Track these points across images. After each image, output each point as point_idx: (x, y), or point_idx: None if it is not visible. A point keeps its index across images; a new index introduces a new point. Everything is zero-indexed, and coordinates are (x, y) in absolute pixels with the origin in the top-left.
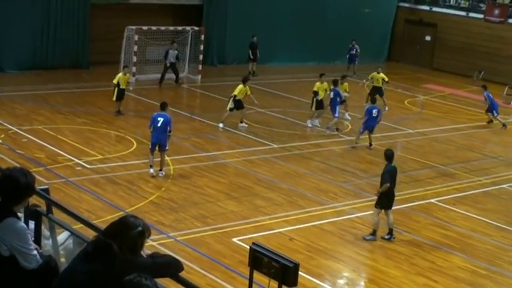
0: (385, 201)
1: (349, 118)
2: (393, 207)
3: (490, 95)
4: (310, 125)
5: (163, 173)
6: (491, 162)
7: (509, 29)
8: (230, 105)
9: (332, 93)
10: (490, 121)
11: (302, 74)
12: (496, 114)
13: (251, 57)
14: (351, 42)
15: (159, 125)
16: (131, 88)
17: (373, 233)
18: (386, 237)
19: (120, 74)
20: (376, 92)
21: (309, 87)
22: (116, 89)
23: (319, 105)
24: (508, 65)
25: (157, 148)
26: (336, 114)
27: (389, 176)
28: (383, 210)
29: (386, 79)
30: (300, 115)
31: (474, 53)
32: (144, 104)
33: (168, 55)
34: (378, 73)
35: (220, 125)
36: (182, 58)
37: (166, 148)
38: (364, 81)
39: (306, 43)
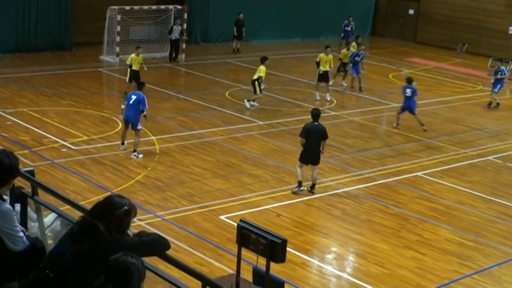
0: (303, 156)
1: (345, 85)
2: (380, 181)
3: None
4: (318, 98)
5: (137, 155)
6: (476, 135)
7: (493, 2)
8: (259, 88)
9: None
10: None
11: (287, 50)
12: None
13: (235, 34)
14: (347, 19)
15: (131, 102)
16: (145, 69)
17: (299, 185)
18: (308, 189)
19: (132, 55)
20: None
21: (294, 64)
22: (129, 70)
23: (321, 77)
24: (492, 38)
25: (130, 127)
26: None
27: (305, 132)
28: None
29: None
30: (285, 92)
31: (458, 26)
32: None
33: (173, 31)
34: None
35: (247, 104)
36: (185, 37)
37: (139, 127)
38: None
39: (290, 20)
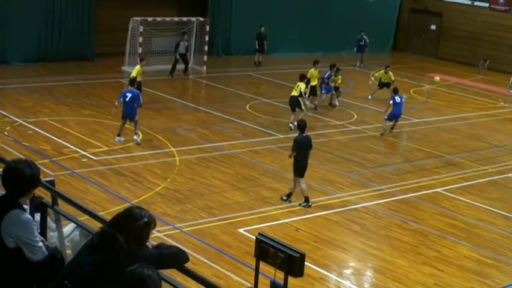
0: (300, 169)
1: (337, 104)
2: (399, 197)
3: None
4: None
5: (138, 138)
6: (497, 151)
7: None
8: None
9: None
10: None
11: (308, 64)
12: None
13: (257, 47)
14: (360, 33)
15: (127, 99)
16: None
17: (307, 200)
18: (302, 204)
19: (138, 67)
20: (384, 85)
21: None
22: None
23: (311, 91)
24: None
25: (128, 120)
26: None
27: (297, 145)
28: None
29: (393, 78)
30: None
31: (479, 42)
32: (150, 95)
33: (179, 46)
34: (386, 73)
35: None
36: (190, 50)
37: (136, 119)
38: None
39: (311, 33)
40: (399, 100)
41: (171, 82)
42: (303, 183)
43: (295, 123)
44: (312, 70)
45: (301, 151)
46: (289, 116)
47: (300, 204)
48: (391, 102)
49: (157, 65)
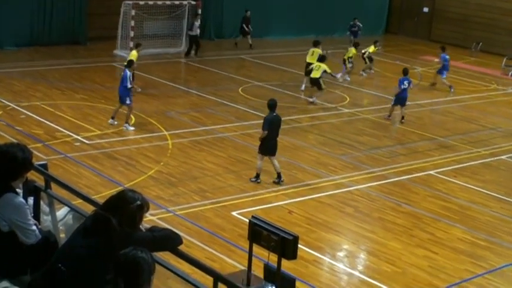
0: (264, 147)
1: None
2: (392, 179)
3: (447, 57)
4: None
5: (127, 127)
6: (490, 134)
7: (507, 0)
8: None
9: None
10: (434, 83)
11: (300, 47)
12: (444, 77)
13: (247, 29)
14: (353, 20)
15: (121, 80)
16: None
17: (257, 176)
18: (276, 180)
19: (134, 52)
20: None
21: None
22: None
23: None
24: (506, 36)
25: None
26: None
27: (267, 124)
28: (267, 157)
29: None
30: (298, 88)
31: (472, 24)
32: (143, 79)
33: (194, 27)
34: (375, 47)
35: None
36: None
37: (127, 102)
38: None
39: (304, 16)
40: (406, 85)
41: (164, 66)
42: (275, 160)
43: (315, 99)
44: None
45: (271, 130)
46: (279, 98)
47: (273, 181)
48: (401, 86)
49: (150, 48)
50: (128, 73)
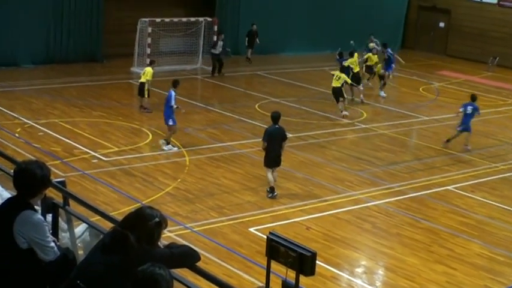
0: (266, 159)
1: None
2: (410, 195)
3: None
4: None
5: (170, 147)
6: (508, 148)
7: None
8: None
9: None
10: (382, 77)
11: (317, 63)
12: (389, 73)
13: (246, 44)
14: (369, 38)
15: (166, 100)
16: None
17: (271, 190)
18: (269, 195)
19: (149, 69)
20: (368, 70)
21: (324, 76)
22: (140, 84)
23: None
24: None
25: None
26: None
27: (267, 135)
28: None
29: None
30: (315, 104)
31: (488, 39)
32: (159, 96)
33: (217, 46)
34: (374, 54)
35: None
36: (228, 51)
37: (169, 123)
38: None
39: (320, 32)
40: (470, 111)
41: (180, 82)
42: (269, 174)
43: (344, 112)
44: (351, 59)
45: (271, 142)
46: (296, 114)
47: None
48: (461, 110)
49: (166, 65)
50: (173, 93)
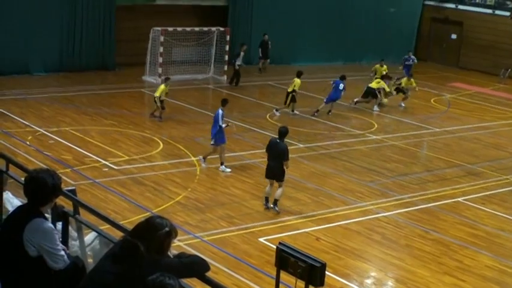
0: (266, 170)
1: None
2: (420, 206)
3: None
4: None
5: (223, 169)
6: None
7: None
8: (288, 100)
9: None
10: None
11: (328, 74)
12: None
13: (260, 55)
14: (407, 54)
15: (213, 120)
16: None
17: (266, 201)
18: (271, 205)
19: (163, 86)
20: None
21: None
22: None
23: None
24: None
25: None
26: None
27: (267, 146)
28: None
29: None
30: (326, 115)
31: (500, 51)
32: (170, 105)
33: (240, 57)
34: (381, 66)
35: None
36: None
37: (212, 142)
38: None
39: (331, 43)
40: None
41: (192, 92)
42: (268, 185)
43: (377, 107)
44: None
45: (269, 154)
46: (306, 125)
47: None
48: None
49: (178, 74)
50: (221, 112)
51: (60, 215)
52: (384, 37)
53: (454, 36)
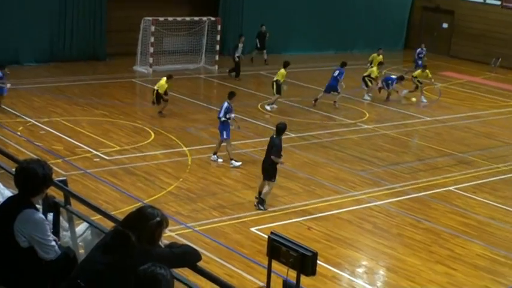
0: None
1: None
2: (412, 195)
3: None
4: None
5: (233, 163)
6: (510, 149)
7: None
8: (274, 90)
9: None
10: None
11: (320, 63)
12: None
13: (258, 46)
14: (420, 46)
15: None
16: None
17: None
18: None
19: (163, 82)
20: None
21: (327, 76)
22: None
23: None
24: None
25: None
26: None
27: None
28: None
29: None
30: (318, 104)
31: (491, 40)
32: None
33: (238, 48)
34: (378, 55)
35: (268, 107)
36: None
37: (224, 136)
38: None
39: (322, 32)
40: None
41: (183, 82)
42: (266, 185)
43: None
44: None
45: (267, 150)
46: (299, 114)
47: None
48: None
49: (169, 64)
50: (226, 105)
51: (51, 206)
52: (375, 26)
53: (445, 25)
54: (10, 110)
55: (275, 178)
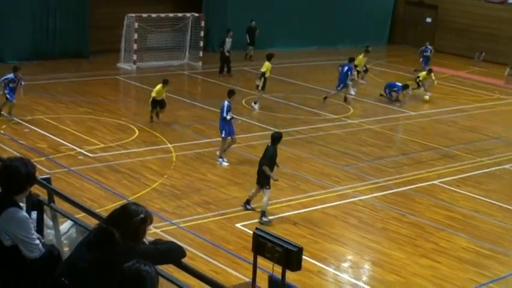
0: None
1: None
2: (396, 189)
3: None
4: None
5: (220, 162)
6: (493, 143)
7: (510, 10)
8: (261, 83)
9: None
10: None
11: (304, 58)
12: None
13: (248, 41)
14: (425, 44)
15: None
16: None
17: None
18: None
19: (159, 88)
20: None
21: (311, 72)
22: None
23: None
24: (509, 46)
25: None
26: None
27: None
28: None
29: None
30: (302, 99)
31: (475, 34)
32: (146, 91)
33: (225, 43)
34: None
35: (256, 106)
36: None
37: (222, 135)
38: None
39: (307, 28)
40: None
41: (167, 78)
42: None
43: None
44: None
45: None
46: (283, 110)
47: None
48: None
49: (153, 61)
50: (226, 104)
51: (35, 204)
52: (359, 21)
53: (429, 19)
54: None
55: (269, 185)
